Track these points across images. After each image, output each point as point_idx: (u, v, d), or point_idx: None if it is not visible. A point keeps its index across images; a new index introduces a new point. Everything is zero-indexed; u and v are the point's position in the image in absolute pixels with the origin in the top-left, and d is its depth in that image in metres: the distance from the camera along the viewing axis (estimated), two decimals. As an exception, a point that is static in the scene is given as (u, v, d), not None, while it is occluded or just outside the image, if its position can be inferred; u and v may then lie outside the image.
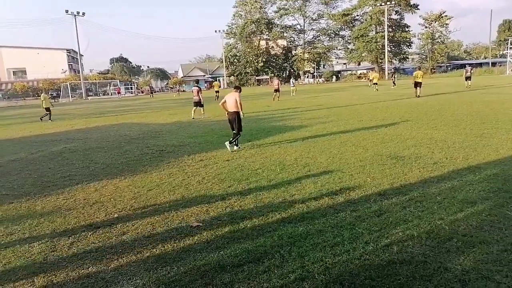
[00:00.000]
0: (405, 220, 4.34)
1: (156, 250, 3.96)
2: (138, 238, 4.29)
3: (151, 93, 54.61)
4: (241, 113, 9.27)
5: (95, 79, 77.55)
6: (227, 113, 9.44)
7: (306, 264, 3.50)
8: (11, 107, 47.36)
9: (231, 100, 9.25)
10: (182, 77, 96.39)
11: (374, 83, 34.65)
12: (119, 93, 61.40)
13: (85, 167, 8.18)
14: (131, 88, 76.62)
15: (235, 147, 9.27)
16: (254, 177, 6.58)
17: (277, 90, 27.92)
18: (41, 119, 21.53)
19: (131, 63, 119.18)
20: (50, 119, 21.36)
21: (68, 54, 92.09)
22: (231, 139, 9.23)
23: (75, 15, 59.91)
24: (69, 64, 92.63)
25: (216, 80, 62.23)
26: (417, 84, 23.02)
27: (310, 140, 10.01)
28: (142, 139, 11.99)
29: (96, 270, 3.61)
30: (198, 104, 17.83)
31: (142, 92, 78.76)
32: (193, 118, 17.42)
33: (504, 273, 3.13)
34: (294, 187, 5.87)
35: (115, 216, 5.04)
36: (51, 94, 62.72)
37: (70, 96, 60.16)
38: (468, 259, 3.38)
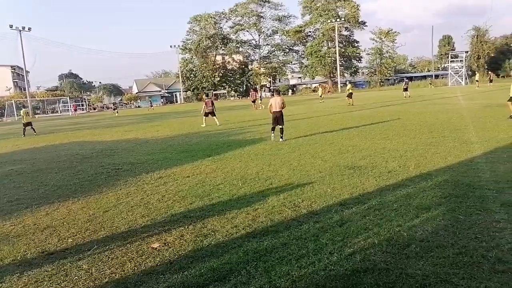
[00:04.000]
0: (365, 229, 4.45)
1: (115, 275, 3.75)
2: (95, 263, 4.05)
3: (115, 109, 51.32)
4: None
5: (43, 97, 73.89)
6: (273, 113, 12.09)
7: (273, 279, 3.47)
8: None
9: (277, 102, 12.04)
10: (136, 92, 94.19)
11: (320, 96, 39.08)
12: (75, 110, 58.65)
13: (34, 190, 7.67)
14: (82, 105, 73.68)
15: (280, 139, 11.95)
16: (216, 192, 6.49)
17: (254, 101, 32.79)
18: (24, 135, 21.48)
19: (81, 79, 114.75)
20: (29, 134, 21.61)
21: (13, 70, 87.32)
22: (280, 134, 12.05)
23: (20, 30, 56.94)
24: (14, 81, 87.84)
25: (207, 95, 61.19)
26: (350, 95, 28.67)
27: (270, 153, 10.09)
28: (96, 157, 11.49)
29: (50, 301, 3.35)
30: (211, 113, 19.70)
31: (95, 109, 76.07)
32: (203, 125, 19.28)
33: (460, 275, 3.28)
34: (257, 201, 5.85)
35: (69, 241, 4.74)
36: (-6, 113, 59.04)
37: (16, 115, 56.65)
38: (427, 264, 3.51)
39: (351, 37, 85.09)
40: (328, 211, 5.17)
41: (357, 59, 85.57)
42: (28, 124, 22.19)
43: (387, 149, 9.34)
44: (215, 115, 19.79)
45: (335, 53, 76.90)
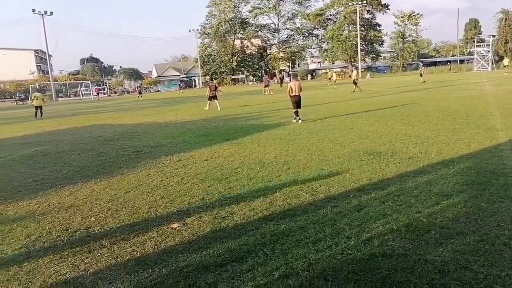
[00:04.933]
0: (384, 214, 4.42)
1: (136, 253, 3.86)
2: (117, 241, 4.18)
3: (140, 93, 49.54)
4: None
5: (65, 80, 75.32)
6: (293, 96, 12.82)
7: (289, 261, 3.50)
8: (-24, 110, 45.34)
9: (296, 86, 12.86)
10: (156, 77, 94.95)
11: (334, 81, 38.41)
12: (97, 94, 59.55)
13: (58, 171, 7.91)
14: (103, 89, 74.79)
15: (300, 121, 12.72)
16: (234, 176, 6.54)
17: (266, 86, 34.23)
18: (36, 118, 22.52)
19: (102, 63, 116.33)
20: (41, 117, 22.66)
21: (36, 54, 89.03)
22: (297, 117, 12.86)
23: (42, 15, 57.86)
24: (37, 65, 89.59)
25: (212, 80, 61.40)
26: (354, 82, 28.48)
27: (288, 137, 10.06)
28: (117, 140, 11.71)
29: (75, 276, 3.48)
30: (214, 97, 20.72)
31: (115, 93, 77.14)
32: (207, 108, 20.47)
33: (481, 262, 3.23)
34: (274, 184, 5.87)
35: (91, 219, 4.89)
36: (18, 96, 60.65)
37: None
38: (447, 250, 3.47)
39: (373, 21, 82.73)
40: (346, 196, 5.15)
41: (379, 43, 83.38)
42: (39, 107, 22.98)
43: (408, 135, 9.17)
44: (217, 99, 20.84)
45: (356, 37, 75.16)
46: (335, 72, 48.47)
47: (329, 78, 46.98)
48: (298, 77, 14.05)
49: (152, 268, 3.54)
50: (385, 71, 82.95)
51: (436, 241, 3.67)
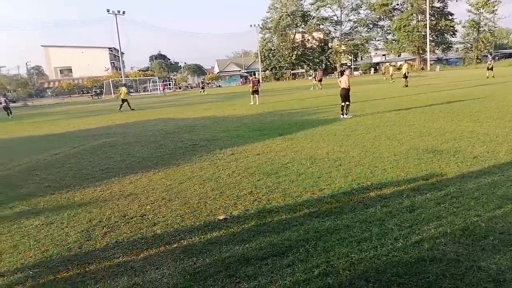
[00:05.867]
0: (438, 217, 4.16)
1: (184, 241, 4.05)
2: (168, 229, 4.41)
3: (203, 88, 48.94)
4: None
5: (136, 76, 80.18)
6: (340, 89, 12.76)
7: (331, 259, 3.45)
8: (58, 104, 50.14)
9: (343, 80, 12.76)
10: (218, 72, 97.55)
11: (390, 75, 37.23)
12: (163, 89, 62.77)
13: (122, 161, 8.50)
14: (169, 84, 78.53)
15: (345, 116, 12.65)
16: (283, 171, 6.55)
17: (320, 80, 34.79)
18: (120, 110, 24.59)
19: (169, 59, 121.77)
20: (130, 108, 24.94)
21: (110, 52, 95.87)
22: (345, 111, 12.75)
23: (115, 14, 62.09)
24: (111, 62, 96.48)
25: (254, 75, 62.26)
26: (405, 76, 27.12)
27: (343, 133, 9.81)
28: (177, 133, 12.28)
29: (126, 260, 3.75)
30: (256, 92, 21.63)
31: (180, 88, 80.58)
32: (251, 103, 21.41)
33: (544, 274, 2.93)
34: (323, 181, 5.78)
35: (147, 207, 5.21)
36: (94, 91, 65.81)
37: (113, 93, 62.61)
38: (505, 258, 3.19)
39: (445, 9, 77.21)
40: (398, 195, 4.92)
41: (451, 33, 77.62)
42: (124, 100, 25.07)
43: (475, 133, 8.49)
44: (258, 94, 21.71)
45: (425, 27, 70.64)
46: (392, 65, 46.10)
47: (383, 73, 45.82)
48: (343, 73, 13.73)
49: (197, 257, 3.69)
50: (457, 63, 77.18)
51: (494, 247, 3.39)
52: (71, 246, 4.16)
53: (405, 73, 27.43)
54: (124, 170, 7.52)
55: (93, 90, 69.87)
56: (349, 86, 12.72)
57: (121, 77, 69.43)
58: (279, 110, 17.44)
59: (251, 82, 22.37)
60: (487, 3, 71.53)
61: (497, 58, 70.97)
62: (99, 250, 3.99)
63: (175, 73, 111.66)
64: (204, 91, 47.92)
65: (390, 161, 6.68)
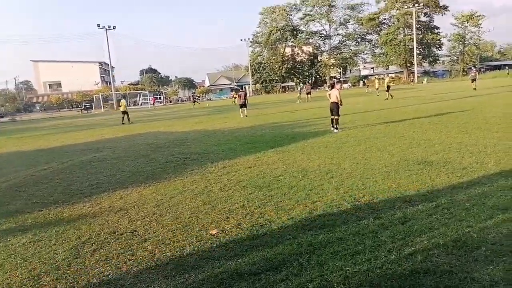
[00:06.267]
0: (430, 228, 4.16)
1: (175, 258, 3.98)
2: (159, 245, 4.33)
3: (194, 101, 49.70)
4: (340, 103, 12.65)
5: (126, 90, 79.96)
6: (330, 103, 12.77)
7: (325, 273, 3.41)
8: (46, 119, 49.62)
9: (333, 94, 12.78)
10: (208, 86, 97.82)
11: (376, 88, 37.58)
12: (154, 103, 62.73)
13: (112, 175, 8.39)
14: (160, 98, 78.42)
15: (335, 130, 12.39)
16: (275, 183, 6.53)
17: (309, 93, 36.77)
18: (122, 123, 24.82)
19: (159, 73, 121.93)
20: (129, 121, 25.22)
21: (100, 66, 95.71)
22: (335, 125, 12.56)
23: (106, 29, 62.19)
24: (101, 76, 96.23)
25: (242, 88, 62.62)
26: (388, 88, 28.37)
27: (334, 145, 9.85)
28: (167, 147, 12.20)
29: (116, 277, 3.66)
30: (243, 105, 22.08)
31: (170, 102, 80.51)
32: (241, 116, 21.68)
33: (537, 284, 2.93)
34: (315, 193, 5.77)
35: (137, 223, 5.12)
36: (84, 106, 65.38)
37: (102, 107, 62.24)
38: (497, 269, 3.19)
39: (431, 23, 79.06)
40: (390, 207, 4.93)
41: (437, 46, 79.34)
42: (124, 112, 25.55)
43: (464, 144, 8.59)
44: (246, 107, 22.20)
45: (412, 41, 72.12)
46: (379, 78, 46.83)
47: (367, 86, 47.50)
48: (333, 86, 13.54)
49: (189, 273, 3.62)
50: (444, 76, 78.67)
51: (486, 258, 3.39)
52: (59, 264, 4.05)
53: (388, 86, 28.36)
54: (114, 185, 7.42)
55: (83, 104, 69.37)
56: (340, 100, 12.66)
57: (111, 91, 69.17)
58: (270, 123, 17.50)
59: (238, 95, 22.96)
60: (472, 17, 73.47)
61: (482, 70, 72.64)
62: (88, 268, 3.90)
63: (165, 87, 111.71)
64: (194, 105, 47.90)
65: (381, 172, 6.71)
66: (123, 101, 27.27)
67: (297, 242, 4.09)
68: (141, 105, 71.21)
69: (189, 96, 58.03)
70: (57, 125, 31.82)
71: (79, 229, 5.05)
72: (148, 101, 66.38)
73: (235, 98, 41.90)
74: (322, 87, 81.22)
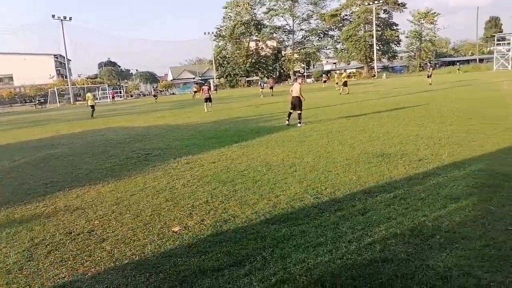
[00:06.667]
0: (389, 218, 4.30)
1: (135, 257, 3.86)
2: (118, 244, 4.19)
3: (155, 96, 47.43)
4: (302, 98, 12.78)
5: (84, 84, 76.79)
6: (292, 98, 12.88)
7: (288, 266, 3.43)
8: (-2, 114, 46.69)
9: (295, 88, 12.84)
10: (172, 80, 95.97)
11: (336, 83, 37.72)
12: (113, 97, 60.60)
13: (68, 173, 8.02)
14: (120, 92, 75.94)
15: (299, 124, 12.37)
16: (239, 178, 6.50)
17: (271, 88, 37.78)
18: (92, 117, 24.36)
19: (119, 67, 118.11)
20: (91, 116, 24.48)
21: (56, 59, 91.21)
22: (297, 120, 12.62)
23: (61, 20, 59.22)
24: (56, 70, 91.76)
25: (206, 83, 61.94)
26: (345, 83, 28.91)
27: (298, 139, 9.96)
28: (128, 143, 11.84)
29: (73, 279, 3.50)
30: (208, 99, 21.91)
31: (131, 96, 78.28)
32: (206, 111, 21.29)
33: (485, 268, 3.10)
34: (279, 187, 5.81)
35: (95, 222, 4.92)
36: (38, 100, 62.12)
37: (58, 102, 59.39)
38: (451, 256, 3.35)
39: (390, 20, 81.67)
40: (351, 199, 5.04)
41: (396, 43, 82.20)
42: (93, 106, 25.22)
43: (420, 136, 8.96)
44: (211, 101, 22.17)
45: (372, 37, 74.30)
46: (338, 73, 47.57)
47: (324, 81, 48.85)
48: (296, 80, 13.60)
49: (150, 272, 3.53)
50: (402, 71, 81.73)
51: (440, 245, 3.55)
52: (10, 268, 3.82)
53: (345, 82, 29.08)
54: (70, 184, 7.09)
55: (37, 99, 65.86)
56: (301, 94, 12.76)
57: (68, 85, 66.17)
58: (235, 117, 17.43)
59: (201, 89, 22.79)
60: (427, 14, 76.64)
61: (437, 66, 76.14)
62: (42, 271, 3.70)
63: (126, 80, 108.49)
64: (156, 98, 46.54)
65: (342, 165, 6.86)
66: (89, 95, 26.91)
67: (261, 236, 4.09)
68: (100, 99, 68.59)
69: (151, 91, 56.52)
70: (9, 121, 30.03)
71: (32, 230, 4.78)
72: (108, 95, 64.06)
73: (195, 92, 42.91)
74: (286, 81, 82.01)
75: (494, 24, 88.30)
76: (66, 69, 70.38)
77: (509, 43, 61.04)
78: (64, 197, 6.19)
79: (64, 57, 70.75)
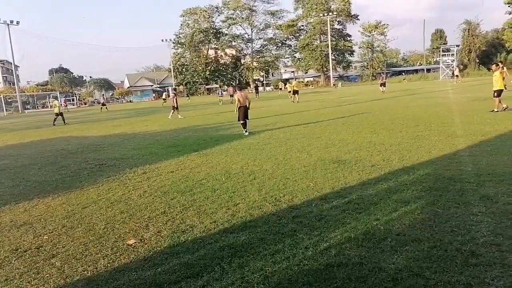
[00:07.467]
0: (343, 223, 4.43)
1: (87, 273, 3.69)
2: (69, 260, 3.99)
3: (103, 105, 43.97)
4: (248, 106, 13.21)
5: (33, 91, 72.94)
6: (240, 107, 12.90)
7: (246, 275, 3.43)
8: None
9: (242, 97, 13.04)
10: (128, 87, 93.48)
11: (289, 92, 37.77)
12: (66, 105, 57.96)
13: (14, 186, 7.55)
14: (73, 99, 72.87)
15: (247, 132, 12.65)
16: (198, 187, 6.44)
17: (231, 96, 37.88)
18: (65, 123, 24.19)
19: (72, 73, 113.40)
20: (53, 124, 24.23)
21: (2, 65, 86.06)
22: (245, 129, 12.81)
23: (8, 24, 56.07)
24: (3, 76, 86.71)
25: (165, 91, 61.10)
26: (296, 92, 29.40)
27: (257, 147, 10.04)
28: (81, 153, 11.35)
29: (17, 300, 3.28)
30: (174, 108, 22.43)
31: (85, 104, 75.38)
32: (170, 118, 21.96)
33: (433, 269, 3.27)
34: (238, 195, 5.81)
35: (44, 238, 4.66)
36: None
37: (5, 110, 55.93)
38: (401, 258, 3.50)
39: (344, 31, 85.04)
40: (308, 205, 5.14)
41: (349, 53, 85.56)
42: (60, 114, 24.80)
43: (373, 143, 9.34)
44: (177, 109, 22.79)
45: (328, 47, 76.81)
46: (290, 82, 47.98)
47: (280, 88, 50.01)
48: (242, 89, 14.67)
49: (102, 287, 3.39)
50: (356, 80, 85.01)
51: (392, 248, 3.70)
52: None
53: (295, 90, 29.63)
54: (17, 197, 6.68)
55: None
56: (246, 102, 12.93)
57: (15, 92, 62.50)
58: (194, 126, 17.26)
59: (174, 98, 23.20)
60: (377, 26, 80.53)
61: (388, 75, 79.96)
62: (-18, 293, 3.44)
63: (79, 88, 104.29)
64: (103, 108, 42.75)
65: (300, 172, 6.99)
66: (56, 102, 26.61)
67: (219, 246, 4.06)
68: (50, 107, 65.40)
69: (99, 99, 54.28)
70: None
71: (-28, 249, 4.44)
72: (60, 103, 61.23)
73: (164, 100, 45.28)
74: (246, 89, 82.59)
75: (439, 36, 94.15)
76: (13, 75, 66.43)
77: (453, 54, 65.41)
78: (10, 212, 5.81)
79: (11, 63, 66.83)
